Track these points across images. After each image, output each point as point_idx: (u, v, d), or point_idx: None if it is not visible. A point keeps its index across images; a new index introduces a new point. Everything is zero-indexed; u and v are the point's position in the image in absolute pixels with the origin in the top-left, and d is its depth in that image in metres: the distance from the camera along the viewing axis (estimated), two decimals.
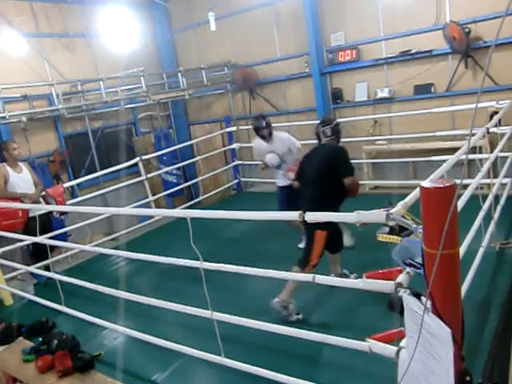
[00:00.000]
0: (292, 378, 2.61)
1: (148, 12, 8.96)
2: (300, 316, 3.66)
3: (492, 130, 4.50)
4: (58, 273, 4.43)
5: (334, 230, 3.77)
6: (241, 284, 4.13)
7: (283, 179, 5.20)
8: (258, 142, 5.33)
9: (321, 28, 7.46)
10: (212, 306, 2.85)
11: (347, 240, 5.06)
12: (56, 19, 7.34)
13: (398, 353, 2.04)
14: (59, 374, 3.30)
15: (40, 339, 3.77)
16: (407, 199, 2.19)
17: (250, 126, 5.45)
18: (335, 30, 7.39)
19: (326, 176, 3.70)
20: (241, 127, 8.18)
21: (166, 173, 7.81)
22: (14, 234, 4.52)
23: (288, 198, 5.08)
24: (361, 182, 7.11)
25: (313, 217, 2.33)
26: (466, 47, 6.07)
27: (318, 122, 7.54)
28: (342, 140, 6.87)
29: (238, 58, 8.57)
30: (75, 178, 7.10)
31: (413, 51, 6.65)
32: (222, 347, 2.86)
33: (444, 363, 1.52)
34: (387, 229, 2.25)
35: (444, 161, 2.99)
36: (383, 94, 7.06)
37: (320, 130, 3.94)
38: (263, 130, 5.11)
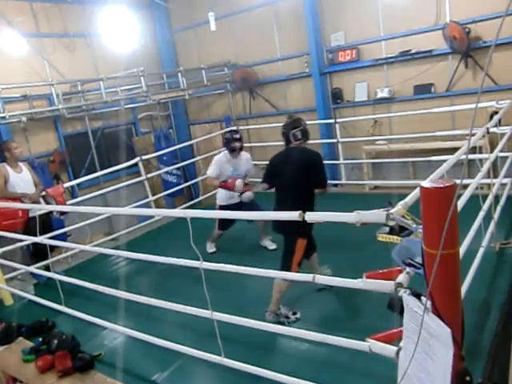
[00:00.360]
0: (292, 378, 2.61)
1: (148, 12, 8.96)
2: (298, 315, 3.66)
3: (492, 129, 4.50)
4: (57, 273, 4.43)
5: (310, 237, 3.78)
6: (241, 284, 4.13)
7: (225, 199, 5.21)
8: (223, 156, 5.21)
9: (321, 28, 7.47)
10: (212, 306, 2.85)
11: (268, 243, 5.26)
12: (56, 19, 7.34)
13: (397, 353, 2.04)
14: (59, 373, 3.30)
15: (40, 339, 3.76)
16: (407, 199, 2.19)
17: (251, 126, 5.46)
18: (335, 29, 7.39)
19: (305, 182, 3.67)
20: (241, 127, 8.17)
21: (166, 173, 7.82)
22: (14, 234, 4.52)
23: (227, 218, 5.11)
24: (361, 182, 7.21)
25: (312, 217, 2.33)
26: (467, 47, 6.07)
27: (317, 121, 7.60)
28: (343, 140, 7.00)
29: (238, 58, 8.57)
30: (75, 178, 7.10)
31: (413, 51, 6.66)
32: (222, 347, 2.86)
33: (442, 363, 1.52)
34: (387, 229, 2.24)
35: (444, 161, 2.99)
36: (383, 94, 7.06)
37: (290, 133, 3.80)
38: (236, 143, 5.08)
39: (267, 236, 5.25)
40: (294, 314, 3.66)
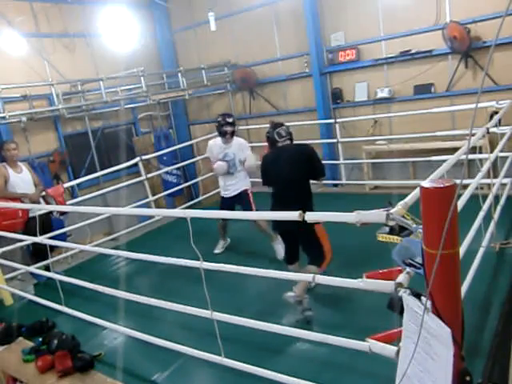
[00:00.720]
0: (292, 378, 2.61)
1: (148, 12, 8.96)
2: (311, 312, 3.61)
3: (492, 129, 4.50)
4: (58, 273, 4.44)
5: None
6: (241, 284, 4.13)
7: (224, 189, 5.15)
8: (214, 140, 5.18)
9: (321, 28, 7.47)
10: (212, 306, 2.85)
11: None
12: (56, 19, 7.34)
13: (397, 353, 2.04)
14: (59, 374, 3.31)
15: (40, 339, 3.77)
16: (407, 199, 2.19)
17: (251, 126, 5.41)
18: (335, 29, 7.39)
19: (306, 176, 3.72)
20: (241, 127, 8.17)
21: (166, 173, 7.82)
22: (14, 234, 4.52)
23: (226, 209, 5.01)
24: (361, 182, 7.21)
25: (312, 217, 2.33)
26: (468, 47, 6.07)
27: (317, 121, 7.59)
28: (343, 140, 7.00)
29: (238, 58, 8.57)
30: (75, 178, 7.10)
31: (413, 51, 6.66)
32: (222, 347, 2.86)
33: (443, 363, 1.52)
34: (387, 229, 2.24)
35: (444, 161, 2.99)
36: (383, 94, 7.06)
37: (273, 133, 3.83)
38: (227, 127, 4.94)
39: (277, 237, 4.75)
40: (309, 310, 3.62)
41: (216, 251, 5.40)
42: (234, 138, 5.11)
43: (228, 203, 5.13)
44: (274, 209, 3.76)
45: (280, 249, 4.72)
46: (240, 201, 5.15)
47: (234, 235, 5.71)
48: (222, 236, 5.46)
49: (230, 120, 4.98)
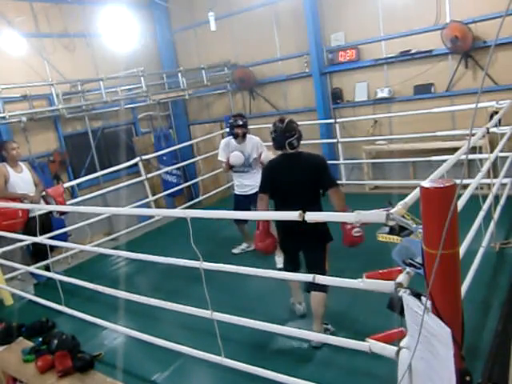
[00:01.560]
0: (292, 378, 2.61)
1: (148, 12, 8.96)
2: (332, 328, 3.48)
3: (492, 130, 4.50)
4: (58, 273, 4.43)
5: None
6: (241, 284, 4.13)
7: (240, 187, 5.12)
8: (226, 140, 5.19)
9: (321, 28, 7.47)
10: (212, 306, 2.85)
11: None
12: (56, 19, 7.34)
13: (398, 353, 2.03)
14: (59, 373, 3.30)
15: (40, 339, 3.77)
16: (407, 199, 2.19)
17: (251, 126, 5.37)
18: (335, 29, 7.39)
19: (315, 188, 3.48)
20: None
21: (166, 173, 7.82)
22: (14, 234, 4.52)
23: (242, 207, 4.92)
24: (361, 182, 7.21)
25: (312, 217, 2.33)
26: (471, 46, 6.05)
27: (317, 121, 7.57)
28: (343, 140, 7.00)
29: (237, 58, 8.57)
30: (75, 178, 7.10)
31: (413, 51, 6.66)
32: (222, 347, 2.86)
33: (444, 362, 1.53)
34: (387, 229, 2.24)
35: (444, 161, 2.99)
36: (383, 94, 7.06)
37: (285, 142, 3.44)
38: (238, 129, 4.97)
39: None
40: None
41: (234, 251, 5.35)
42: (248, 136, 5.10)
43: (244, 202, 5.01)
44: (281, 225, 3.57)
45: (279, 260, 4.61)
46: (255, 202, 5.09)
47: (235, 235, 5.71)
48: (245, 238, 5.36)
49: (241, 122, 4.99)
